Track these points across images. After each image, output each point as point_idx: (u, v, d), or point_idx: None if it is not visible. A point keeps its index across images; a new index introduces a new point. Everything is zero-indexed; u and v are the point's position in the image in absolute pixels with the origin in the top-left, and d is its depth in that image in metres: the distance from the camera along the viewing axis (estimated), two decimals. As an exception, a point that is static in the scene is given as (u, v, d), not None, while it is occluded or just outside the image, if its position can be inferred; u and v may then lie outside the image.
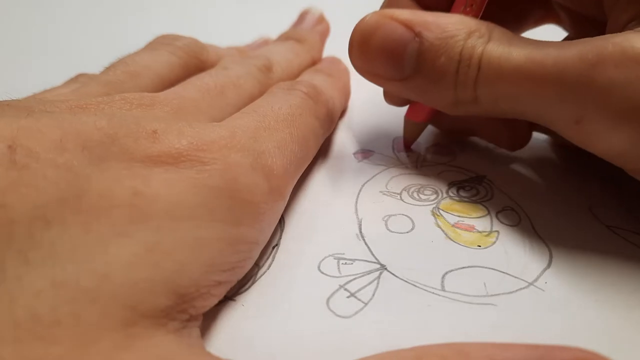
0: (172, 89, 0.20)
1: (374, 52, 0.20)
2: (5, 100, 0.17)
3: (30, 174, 0.13)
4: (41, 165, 0.13)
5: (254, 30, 0.33)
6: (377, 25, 0.19)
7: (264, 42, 0.32)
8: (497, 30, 0.19)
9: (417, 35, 0.19)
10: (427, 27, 0.19)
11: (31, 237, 0.12)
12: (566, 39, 0.24)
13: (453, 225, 0.20)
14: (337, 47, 0.31)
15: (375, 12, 0.20)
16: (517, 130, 0.23)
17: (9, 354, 0.11)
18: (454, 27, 0.19)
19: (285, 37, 0.30)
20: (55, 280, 0.12)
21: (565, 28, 0.26)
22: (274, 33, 0.32)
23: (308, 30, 0.30)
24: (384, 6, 0.24)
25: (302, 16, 0.32)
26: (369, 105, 0.29)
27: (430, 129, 0.26)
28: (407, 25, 0.19)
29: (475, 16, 0.21)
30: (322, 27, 0.31)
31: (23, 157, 0.13)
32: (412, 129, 0.25)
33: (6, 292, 0.12)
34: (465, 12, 0.21)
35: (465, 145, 0.25)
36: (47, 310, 0.12)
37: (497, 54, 0.18)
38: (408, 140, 0.25)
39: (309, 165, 0.22)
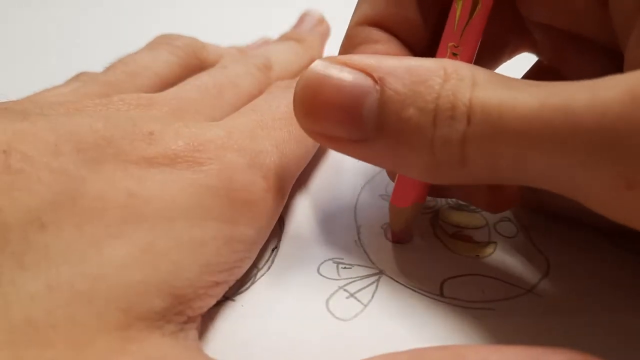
0: (171, 90, 0.21)
1: (323, 108, 0.15)
2: (2, 103, 0.17)
3: (24, 177, 0.13)
4: (36, 168, 0.13)
5: (254, 31, 0.33)
6: (327, 74, 0.15)
7: (265, 43, 0.32)
8: (482, 72, 0.14)
9: (378, 81, 0.14)
10: (392, 72, 0.14)
11: (26, 240, 0.12)
12: (535, 65, 0.21)
13: (451, 236, 0.20)
14: (337, 48, 0.31)
15: (325, 58, 0.15)
16: (503, 191, 0.19)
17: (4, 357, 0.11)
18: (426, 69, 0.14)
19: (285, 38, 0.30)
20: (50, 283, 0.12)
21: (540, 53, 0.21)
22: (274, 33, 0.32)
23: (308, 31, 0.31)
24: (342, 47, 0.20)
25: (302, 18, 0.32)
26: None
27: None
28: (366, 72, 0.15)
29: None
30: (322, 28, 0.31)
31: (17, 162, 0.13)
32: (400, 216, 0.19)
33: (1, 296, 0.12)
34: (451, 58, 0.17)
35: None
36: (43, 313, 0.12)
37: (495, 100, 0.13)
38: (398, 233, 0.19)
39: (308, 164, 0.22)
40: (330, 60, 0.15)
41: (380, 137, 0.15)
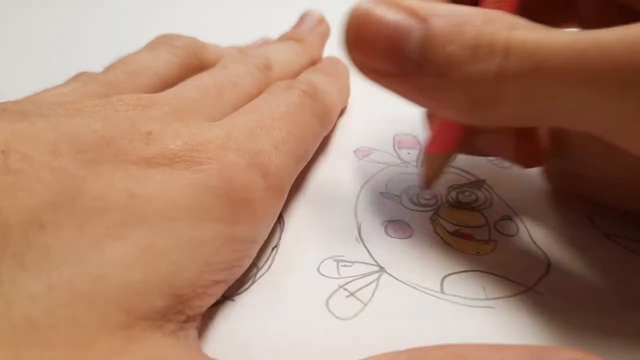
0: (171, 90, 0.20)
1: (370, 41, 0.16)
2: (1, 103, 0.17)
3: (24, 178, 0.13)
4: (35, 169, 0.13)
5: (254, 31, 0.33)
6: (373, 10, 0.16)
7: (265, 42, 0.32)
8: (521, 19, 0.15)
9: (423, 21, 0.15)
10: (436, 14, 0.15)
11: (26, 240, 0.12)
12: None
13: (451, 234, 0.20)
14: (337, 48, 0.31)
15: None
16: (532, 144, 0.20)
17: (4, 357, 0.11)
18: (468, 13, 0.15)
19: (285, 38, 0.30)
20: (51, 284, 0.12)
21: (583, 27, 0.21)
22: (274, 33, 0.32)
23: (308, 31, 0.30)
24: None
25: (303, 18, 0.32)
26: (369, 103, 0.29)
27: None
28: (411, 11, 0.16)
29: None
30: (322, 28, 0.31)
31: (17, 162, 0.13)
32: (434, 163, 0.20)
33: (1, 296, 0.12)
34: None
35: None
36: (43, 313, 0.12)
37: (533, 37, 0.14)
38: (430, 179, 0.21)
39: (308, 163, 0.22)
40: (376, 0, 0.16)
41: (422, 72, 0.15)
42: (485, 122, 0.16)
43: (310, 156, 0.22)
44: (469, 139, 0.20)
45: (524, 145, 0.20)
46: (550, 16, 0.21)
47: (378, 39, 0.16)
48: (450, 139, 0.19)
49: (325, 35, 0.31)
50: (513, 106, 0.15)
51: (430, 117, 0.22)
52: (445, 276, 0.18)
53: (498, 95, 0.15)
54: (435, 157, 0.20)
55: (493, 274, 0.18)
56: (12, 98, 0.19)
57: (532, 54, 0.14)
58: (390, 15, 0.16)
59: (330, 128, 0.25)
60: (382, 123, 0.27)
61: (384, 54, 0.16)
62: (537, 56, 0.14)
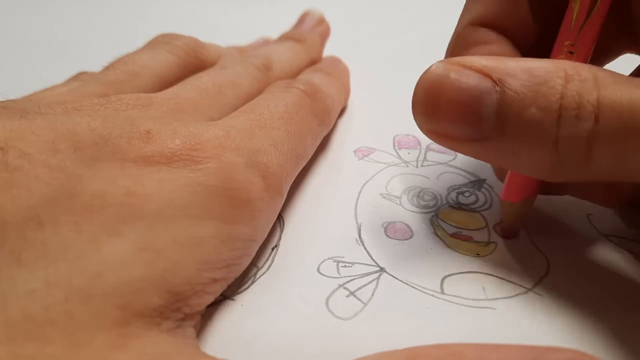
0: (170, 89, 0.20)
1: (442, 108, 0.15)
2: (0, 102, 0.17)
3: (22, 175, 0.13)
4: (33, 166, 0.13)
5: (254, 30, 0.33)
6: (446, 75, 0.15)
7: (265, 42, 0.32)
8: (603, 72, 0.14)
9: (497, 82, 0.15)
10: (510, 74, 0.15)
11: (24, 237, 0.12)
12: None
13: (451, 236, 0.20)
14: (337, 48, 0.31)
15: (443, 60, 0.16)
16: (617, 186, 0.19)
17: (2, 353, 0.11)
18: (545, 71, 0.14)
19: (285, 38, 0.30)
20: (49, 280, 0.12)
21: None
22: (274, 33, 0.32)
23: (308, 31, 0.30)
24: (449, 50, 0.20)
25: (303, 18, 0.32)
26: (369, 103, 0.29)
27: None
28: (484, 73, 0.15)
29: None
30: (322, 28, 0.31)
31: (15, 159, 0.13)
32: (513, 212, 0.19)
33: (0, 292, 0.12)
34: (567, 57, 0.17)
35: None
36: (41, 309, 0.12)
37: (626, 99, 0.13)
38: (509, 228, 0.20)
39: (309, 163, 0.22)
40: (449, 62, 0.16)
41: (499, 136, 0.15)
42: (568, 181, 0.16)
43: (310, 156, 0.22)
44: (551, 185, 0.19)
45: (609, 190, 0.19)
46: (612, 45, 0.20)
47: (452, 105, 0.15)
48: (527, 187, 0.19)
49: (325, 35, 0.31)
50: (602, 166, 0.14)
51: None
52: (445, 277, 0.18)
53: (586, 158, 0.14)
54: (513, 205, 0.19)
55: (493, 275, 0.18)
56: (12, 97, 0.19)
57: (628, 117, 0.13)
58: (463, 79, 0.15)
59: (330, 128, 0.25)
60: (382, 123, 0.27)
61: (459, 120, 0.15)
62: (632, 118, 0.13)
